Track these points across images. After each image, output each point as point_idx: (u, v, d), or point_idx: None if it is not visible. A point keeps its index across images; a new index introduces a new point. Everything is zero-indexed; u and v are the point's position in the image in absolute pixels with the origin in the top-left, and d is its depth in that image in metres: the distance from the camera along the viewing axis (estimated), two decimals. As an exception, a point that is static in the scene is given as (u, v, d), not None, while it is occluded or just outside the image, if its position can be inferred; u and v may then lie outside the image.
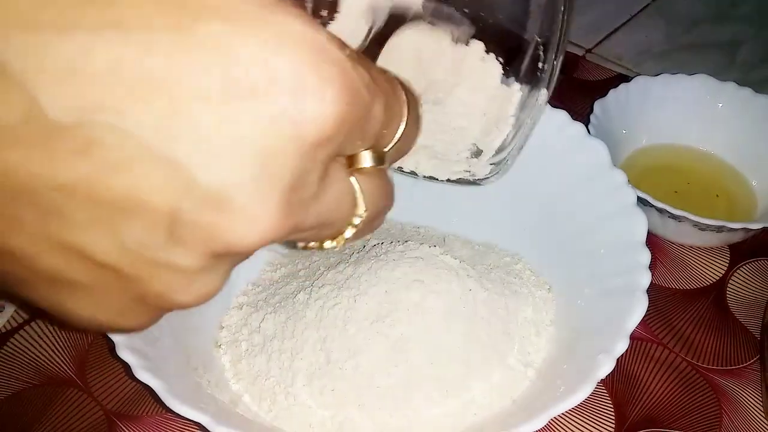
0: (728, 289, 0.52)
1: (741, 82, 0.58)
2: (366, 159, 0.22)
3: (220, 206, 0.18)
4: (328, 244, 0.24)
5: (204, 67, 0.17)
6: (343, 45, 0.20)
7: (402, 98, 0.23)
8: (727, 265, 0.53)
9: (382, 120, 0.21)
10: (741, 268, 0.53)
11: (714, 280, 0.53)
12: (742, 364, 0.48)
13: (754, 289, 0.52)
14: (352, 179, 0.23)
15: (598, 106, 0.55)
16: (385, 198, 0.25)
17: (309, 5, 0.36)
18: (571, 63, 0.71)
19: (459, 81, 0.38)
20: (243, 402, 0.40)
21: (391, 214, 0.49)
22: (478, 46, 0.37)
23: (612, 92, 0.57)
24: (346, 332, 0.41)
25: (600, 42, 0.75)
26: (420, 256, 0.43)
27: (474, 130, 0.37)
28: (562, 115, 0.46)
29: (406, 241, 0.46)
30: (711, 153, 0.59)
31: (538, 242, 0.47)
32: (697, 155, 0.59)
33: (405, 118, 0.23)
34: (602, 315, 0.39)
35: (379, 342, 0.40)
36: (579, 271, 0.43)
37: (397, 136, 0.23)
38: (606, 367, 0.34)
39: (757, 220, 0.52)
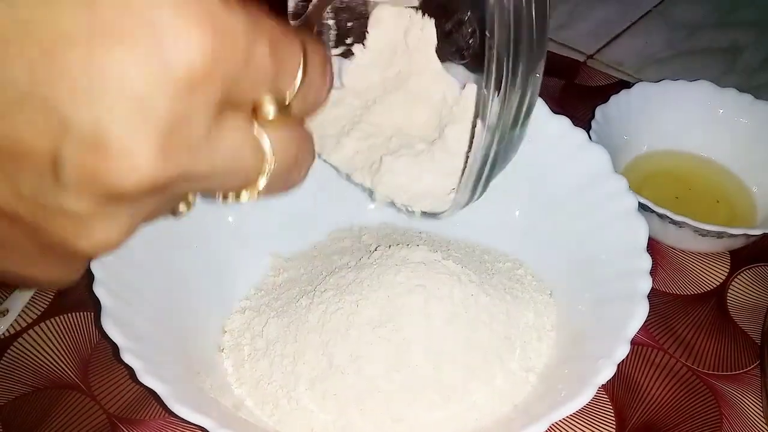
0: (729, 294, 0.52)
1: (742, 88, 0.59)
2: (267, 108, 0.22)
3: (98, 148, 0.19)
4: (244, 195, 0.24)
5: (70, 13, 0.18)
6: None
7: (295, 44, 0.22)
8: (727, 270, 0.54)
9: (270, 66, 0.21)
10: (741, 274, 0.53)
11: (714, 286, 0.53)
12: (743, 369, 0.48)
13: (754, 294, 0.52)
14: (257, 128, 0.22)
15: (599, 112, 0.56)
16: (298, 149, 0.24)
17: None
18: (573, 69, 0.72)
19: (453, 120, 0.39)
20: (245, 406, 0.40)
21: (393, 219, 0.50)
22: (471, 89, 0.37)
23: (613, 98, 0.57)
24: (349, 337, 0.41)
25: (601, 48, 0.75)
26: (422, 262, 0.43)
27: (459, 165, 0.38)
28: (563, 122, 0.46)
29: (408, 246, 0.46)
30: (712, 159, 0.59)
31: (540, 247, 0.47)
32: (698, 161, 0.59)
33: (301, 65, 0.23)
34: (603, 320, 0.39)
35: (381, 347, 0.40)
36: (580, 277, 0.43)
37: (296, 83, 0.23)
38: (607, 372, 0.34)
39: (758, 226, 0.52)
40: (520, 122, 0.34)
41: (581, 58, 0.73)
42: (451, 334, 0.41)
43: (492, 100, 0.31)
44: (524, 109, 0.34)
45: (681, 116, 0.59)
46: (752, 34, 0.76)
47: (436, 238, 0.51)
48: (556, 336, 0.43)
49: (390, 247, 0.46)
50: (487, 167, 0.35)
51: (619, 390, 0.46)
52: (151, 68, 0.18)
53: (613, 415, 0.45)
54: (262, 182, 0.23)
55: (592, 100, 0.57)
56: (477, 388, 0.40)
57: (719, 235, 0.50)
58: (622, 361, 0.35)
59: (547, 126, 0.47)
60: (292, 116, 0.23)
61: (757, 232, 0.49)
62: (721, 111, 0.59)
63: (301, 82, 0.23)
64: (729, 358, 0.48)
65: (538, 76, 0.33)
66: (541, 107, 0.47)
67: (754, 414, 0.45)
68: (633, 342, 0.36)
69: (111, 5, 0.18)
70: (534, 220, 0.47)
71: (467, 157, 0.36)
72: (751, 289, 0.52)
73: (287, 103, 0.23)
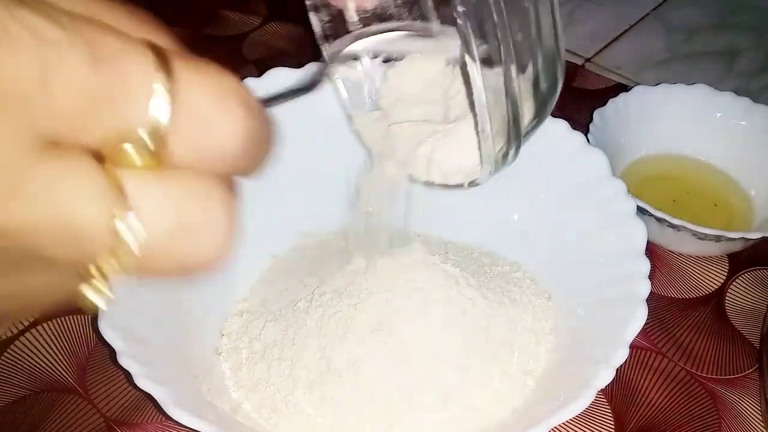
0: (727, 298, 0.52)
1: (740, 91, 0.59)
2: (126, 151, 0.16)
3: None
4: (108, 269, 0.17)
5: None
6: None
7: (142, 55, 0.16)
8: (725, 274, 0.54)
9: (93, 86, 0.15)
10: (739, 278, 0.53)
11: (713, 290, 0.53)
12: (741, 373, 0.48)
13: (752, 298, 0.52)
14: (114, 176, 0.16)
15: (597, 115, 0.56)
16: (193, 211, 0.17)
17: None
18: (571, 72, 0.71)
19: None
20: (243, 410, 0.40)
21: (394, 220, 0.49)
22: None
23: (611, 102, 0.57)
24: (346, 340, 0.41)
25: (599, 51, 0.75)
26: (420, 265, 0.43)
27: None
28: (561, 125, 0.46)
29: (406, 248, 0.46)
30: (709, 162, 0.59)
31: (538, 251, 0.47)
32: (696, 165, 0.59)
33: (162, 87, 0.16)
34: (602, 324, 0.39)
35: (379, 350, 0.40)
36: (579, 280, 0.43)
37: (158, 116, 0.16)
38: (606, 376, 0.34)
39: (755, 230, 0.52)
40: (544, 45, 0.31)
41: (579, 62, 0.73)
42: (449, 337, 0.41)
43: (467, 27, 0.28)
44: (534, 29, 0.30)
45: (679, 120, 0.59)
46: (750, 37, 0.76)
47: (433, 240, 0.51)
48: (554, 339, 0.43)
49: (388, 249, 0.46)
50: (508, 108, 0.31)
51: (618, 394, 0.46)
52: None
53: (611, 418, 0.45)
54: (125, 253, 0.16)
55: (590, 104, 0.57)
56: (475, 391, 0.40)
57: (717, 238, 0.50)
58: (621, 364, 0.35)
59: (545, 129, 0.46)
60: (181, 164, 0.17)
61: (755, 235, 0.49)
62: (719, 114, 0.59)
63: (176, 113, 0.16)
64: (727, 361, 0.48)
65: None
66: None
67: (752, 418, 0.45)
68: (631, 346, 0.36)
69: None
70: (532, 223, 0.47)
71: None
72: (749, 292, 0.52)
73: (145, 142, 0.16)
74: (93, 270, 0.17)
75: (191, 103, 0.16)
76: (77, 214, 0.15)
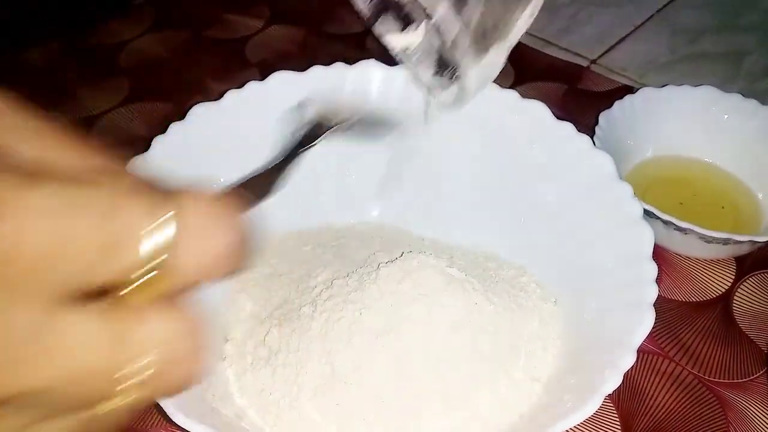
0: (734, 301, 0.52)
1: (746, 93, 0.58)
2: (134, 281, 0.18)
3: None
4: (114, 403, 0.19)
5: None
6: None
7: (140, 197, 0.18)
8: (733, 277, 0.53)
9: (98, 237, 0.17)
10: (747, 281, 0.53)
11: (720, 293, 0.52)
12: (749, 377, 0.47)
13: (760, 301, 0.52)
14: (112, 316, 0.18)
15: (603, 117, 0.55)
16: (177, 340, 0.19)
17: None
18: (576, 74, 0.71)
19: None
20: (248, 416, 0.40)
21: (399, 224, 0.49)
22: None
23: (617, 104, 0.57)
24: (351, 346, 0.40)
25: (604, 53, 0.75)
26: (426, 269, 0.43)
27: None
28: (567, 128, 0.46)
29: (411, 253, 0.46)
30: (716, 165, 0.59)
31: (544, 255, 0.47)
32: (703, 167, 0.59)
33: (159, 220, 0.18)
34: (609, 329, 0.39)
35: (384, 355, 0.40)
36: (585, 284, 0.43)
37: (154, 246, 0.18)
38: (613, 382, 0.34)
39: (763, 233, 0.52)
40: None
41: (584, 63, 0.73)
42: (455, 343, 0.41)
43: None
44: None
45: (685, 122, 0.59)
46: (756, 39, 0.76)
47: (439, 244, 0.51)
48: (561, 345, 0.43)
49: (393, 254, 0.46)
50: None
51: (625, 398, 0.46)
52: None
53: (618, 423, 0.45)
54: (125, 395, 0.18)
55: (596, 106, 0.57)
56: (481, 397, 0.39)
57: (725, 241, 0.49)
58: (627, 370, 0.35)
59: (551, 131, 0.46)
60: (183, 278, 0.19)
61: (763, 238, 0.49)
62: (726, 116, 0.58)
63: (177, 239, 0.18)
64: (735, 365, 0.48)
65: None
66: (545, 113, 0.47)
67: (760, 422, 0.45)
68: (638, 350, 0.36)
69: None
70: (538, 226, 0.47)
71: None
72: (757, 296, 0.52)
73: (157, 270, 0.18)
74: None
75: (187, 228, 0.18)
76: (87, 362, 0.17)
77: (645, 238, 0.40)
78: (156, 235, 0.18)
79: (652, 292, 0.38)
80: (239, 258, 0.20)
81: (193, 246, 0.19)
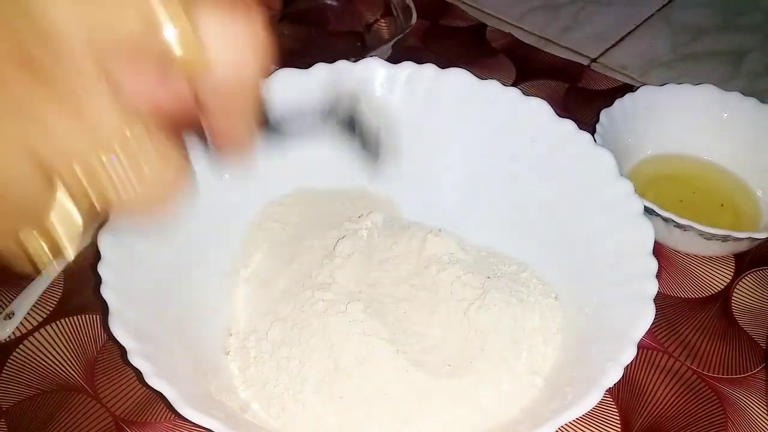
0: (733, 298, 0.52)
1: (746, 92, 0.59)
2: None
3: None
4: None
5: None
6: None
7: None
8: (732, 274, 0.54)
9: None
10: (746, 278, 0.53)
11: (719, 289, 0.53)
12: (748, 372, 0.48)
13: (759, 298, 0.52)
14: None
15: (604, 115, 0.56)
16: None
17: None
18: (577, 72, 0.72)
19: None
20: (252, 409, 0.40)
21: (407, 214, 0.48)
22: None
23: (618, 102, 0.57)
24: (353, 340, 0.41)
25: (605, 51, 0.75)
26: (427, 264, 0.43)
27: None
28: (568, 125, 0.46)
29: (414, 249, 0.46)
30: (716, 163, 0.59)
31: (545, 251, 0.47)
32: (703, 165, 0.59)
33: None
34: (609, 323, 0.39)
35: (386, 350, 0.40)
36: (586, 280, 0.43)
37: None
38: (614, 375, 0.34)
39: (762, 230, 0.52)
40: None
41: (585, 62, 0.73)
42: (456, 336, 0.41)
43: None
44: None
45: (686, 120, 0.59)
46: (757, 37, 0.76)
47: (440, 241, 0.51)
48: (561, 339, 0.43)
49: (399, 244, 0.46)
50: None
51: (624, 393, 0.46)
52: None
53: (618, 418, 0.45)
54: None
55: (596, 104, 0.58)
56: (483, 391, 0.40)
57: (724, 238, 0.50)
58: (627, 364, 0.35)
59: (552, 129, 0.47)
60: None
61: (762, 235, 0.49)
62: (726, 115, 0.59)
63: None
64: (734, 361, 0.48)
65: None
66: (546, 110, 0.47)
67: (759, 417, 0.45)
68: (638, 345, 0.36)
69: None
70: (539, 222, 0.47)
71: None
72: (755, 292, 0.52)
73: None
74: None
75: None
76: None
77: (646, 233, 0.41)
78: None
79: (653, 287, 0.38)
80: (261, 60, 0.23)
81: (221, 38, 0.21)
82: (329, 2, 0.43)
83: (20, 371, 0.46)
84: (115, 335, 0.35)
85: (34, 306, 0.50)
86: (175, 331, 0.40)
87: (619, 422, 0.45)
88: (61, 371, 0.46)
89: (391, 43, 0.63)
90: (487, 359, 0.41)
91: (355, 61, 0.48)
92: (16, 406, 0.45)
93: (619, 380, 0.35)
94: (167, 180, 0.23)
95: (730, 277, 0.53)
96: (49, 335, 0.48)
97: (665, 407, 0.46)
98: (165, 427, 0.44)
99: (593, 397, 0.34)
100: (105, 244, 0.38)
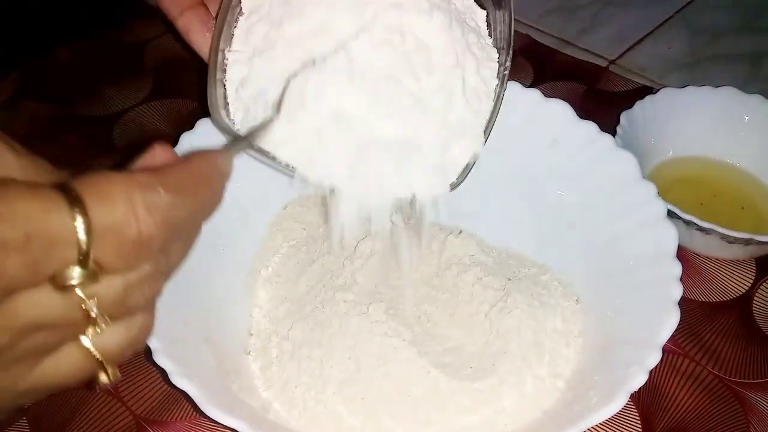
0: (755, 302, 0.52)
1: (765, 94, 0.58)
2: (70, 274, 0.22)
3: None
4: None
5: None
6: None
7: (52, 201, 0.21)
8: (753, 278, 0.53)
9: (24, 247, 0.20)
10: (767, 282, 0.53)
11: (740, 293, 0.52)
12: (770, 377, 0.47)
13: (780, 302, 0.52)
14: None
15: (624, 117, 0.55)
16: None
17: None
18: (595, 74, 0.71)
19: None
20: (273, 408, 0.40)
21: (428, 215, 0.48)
22: None
23: (638, 104, 0.57)
24: (375, 341, 0.41)
25: (624, 53, 0.75)
26: (449, 266, 0.43)
27: None
28: (590, 127, 0.46)
29: (435, 250, 0.46)
30: (737, 165, 0.59)
31: (566, 253, 0.47)
32: (723, 167, 0.59)
33: (76, 217, 0.21)
34: (633, 327, 0.39)
35: (408, 351, 0.40)
36: (608, 283, 0.43)
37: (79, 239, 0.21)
38: (639, 379, 0.34)
39: (784, 234, 0.52)
40: None
41: (604, 64, 0.73)
42: (478, 339, 0.41)
43: None
44: None
45: (706, 122, 0.59)
46: (776, 40, 0.76)
47: (460, 243, 0.51)
48: (583, 342, 0.43)
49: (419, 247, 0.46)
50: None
51: (646, 397, 0.46)
52: None
53: (639, 422, 0.45)
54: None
55: (615, 106, 0.57)
56: (506, 393, 0.40)
57: (747, 242, 0.49)
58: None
59: (574, 131, 0.46)
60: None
61: (785, 239, 0.49)
62: (747, 117, 0.58)
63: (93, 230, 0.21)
64: (755, 365, 0.48)
65: None
66: (568, 111, 0.47)
67: (781, 422, 0.45)
68: (660, 349, 0.36)
69: None
70: (561, 225, 0.47)
71: None
72: (777, 296, 0.52)
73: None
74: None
75: (101, 219, 0.21)
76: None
77: (669, 236, 0.41)
78: (79, 232, 0.21)
79: (677, 291, 0.38)
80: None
81: (110, 235, 0.22)
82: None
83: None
84: (139, 334, 0.35)
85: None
86: (198, 331, 0.40)
87: (640, 426, 0.45)
88: (81, 369, 0.46)
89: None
90: (510, 361, 0.41)
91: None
92: (37, 404, 0.45)
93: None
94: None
95: (752, 281, 0.53)
96: (70, 333, 0.48)
97: (686, 411, 0.46)
98: (185, 426, 0.44)
99: (618, 401, 0.34)
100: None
